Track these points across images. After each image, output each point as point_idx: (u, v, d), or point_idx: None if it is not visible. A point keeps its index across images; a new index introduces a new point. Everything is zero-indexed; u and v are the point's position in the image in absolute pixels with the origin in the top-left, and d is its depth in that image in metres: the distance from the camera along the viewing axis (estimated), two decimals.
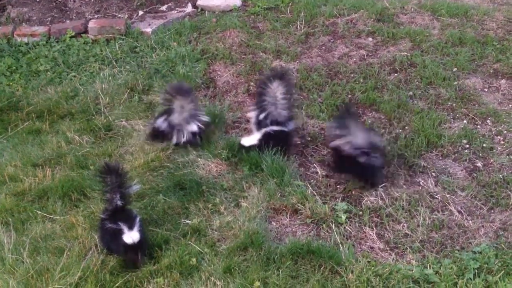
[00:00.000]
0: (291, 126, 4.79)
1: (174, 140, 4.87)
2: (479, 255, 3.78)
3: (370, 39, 6.48)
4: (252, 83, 5.83)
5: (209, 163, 4.71)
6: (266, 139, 4.69)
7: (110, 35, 6.54)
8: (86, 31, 6.66)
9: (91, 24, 6.66)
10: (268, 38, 6.51)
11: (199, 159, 4.75)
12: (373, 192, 4.43)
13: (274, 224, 4.22)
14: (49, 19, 6.97)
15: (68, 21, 6.89)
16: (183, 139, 4.86)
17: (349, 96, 5.56)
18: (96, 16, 6.97)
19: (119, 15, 6.99)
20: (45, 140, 5.11)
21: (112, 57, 6.23)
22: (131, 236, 3.74)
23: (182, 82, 5.43)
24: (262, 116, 4.76)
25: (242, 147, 4.76)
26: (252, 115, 4.89)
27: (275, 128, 4.71)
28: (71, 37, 6.57)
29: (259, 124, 4.78)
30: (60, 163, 4.80)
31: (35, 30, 6.64)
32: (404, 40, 6.37)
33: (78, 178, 4.55)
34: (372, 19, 6.74)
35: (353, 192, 4.46)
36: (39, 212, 4.30)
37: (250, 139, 4.77)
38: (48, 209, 4.34)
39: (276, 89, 4.71)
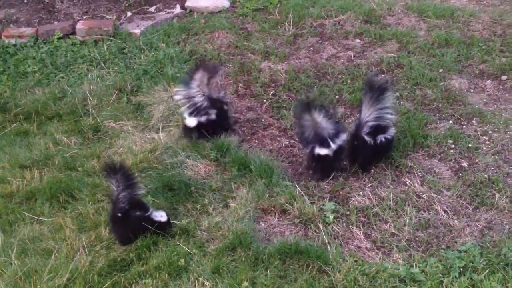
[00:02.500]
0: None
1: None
2: (464, 254, 3.81)
3: (358, 40, 6.53)
4: (240, 84, 5.86)
5: (197, 164, 4.73)
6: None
7: (98, 36, 6.54)
8: (74, 32, 6.65)
9: (79, 25, 6.65)
10: (257, 39, 6.54)
11: (187, 160, 4.76)
12: (360, 192, 4.47)
13: (263, 224, 4.24)
14: (37, 20, 6.95)
15: (56, 22, 6.88)
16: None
17: (336, 96, 5.60)
18: (84, 17, 6.97)
19: (107, 16, 6.98)
20: (32, 142, 5.10)
21: (100, 58, 6.22)
22: None
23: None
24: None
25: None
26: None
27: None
28: (59, 38, 6.57)
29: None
30: (48, 165, 4.80)
31: (23, 31, 6.63)
32: (391, 41, 6.42)
33: (66, 180, 4.55)
34: (359, 21, 6.80)
35: (341, 192, 4.49)
36: (27, 213, 4.30)
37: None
38: (36, 210, 4.34)
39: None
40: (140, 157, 4.80)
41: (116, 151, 4.94)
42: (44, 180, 4.59)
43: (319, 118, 4.47)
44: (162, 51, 6.26)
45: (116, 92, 5.68)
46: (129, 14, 7.06)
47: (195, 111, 4.92)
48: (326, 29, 6.69)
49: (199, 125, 4.94)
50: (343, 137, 4.64)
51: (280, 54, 6.27)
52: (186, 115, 4.95)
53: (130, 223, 3.96)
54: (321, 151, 4.54)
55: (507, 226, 4.12)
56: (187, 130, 4.99)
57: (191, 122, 4.93)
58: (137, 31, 6.66)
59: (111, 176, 3.90)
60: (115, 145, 5.02)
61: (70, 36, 6.62)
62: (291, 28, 6.70)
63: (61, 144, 5.07)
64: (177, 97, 5.04)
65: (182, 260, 3.83)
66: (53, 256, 3.87)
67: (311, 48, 6.42)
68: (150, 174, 4.66)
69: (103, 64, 6.15)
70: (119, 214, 3.94)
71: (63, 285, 3.67)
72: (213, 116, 4.97)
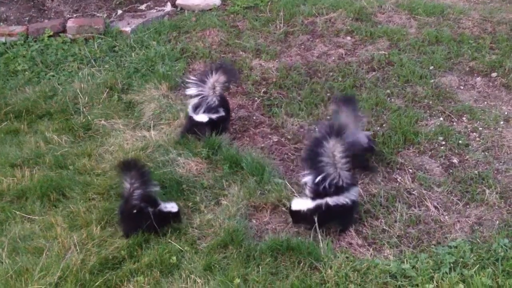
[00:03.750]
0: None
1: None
2: (454, 249, 3.83)
3: (349, 38, 6.55)
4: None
5: (189, 162, 4.72)
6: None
7: (89, 35, 6.51)
8: (64, 31, 6.62)
9: (69, 24, 6.62)
10: (248, 37, 6.54)
11: (179, 158, 4.75)
12: None
13: (254, 221, 4.24)
14: (27, 18, 6.92)
15: (46, 21, 6.84)
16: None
17: (328, 94, 5.61)
18: (75, 15, 6.94)
19: (98, 14, 6.96)
20: (23, 140, 5.08)
21: (91, 57, 6.20)
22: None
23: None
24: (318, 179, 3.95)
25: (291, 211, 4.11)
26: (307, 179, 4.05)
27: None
28: (49, 36, 6.53)
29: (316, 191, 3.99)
30: (38, 163, 4.77)
31: (13, 29, 6.59)
32: (381, 39, 6.44)
33: (57, 178, 4.53)
34: (350, 18, 6.81)
35: None
36: (17, 212, 4.28)
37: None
38: (27, 209, 4.32)
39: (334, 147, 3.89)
40: (132, 155, 4.77)
41: (107, 149, 4.93)
42: (35, 179, 4.56)
43: (338, 151, 3.86)
44: (153, 49, 6.25)
45: (107, 90, 5.67)
46: (119, 12, 7.04)
47: (207, 109, 4.88)
48: (317, 27, 6.71)
49: (210, 121, 4.91)
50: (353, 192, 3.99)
51: (271, 51, 6.27)
52: (195, 112, 4.90)
53: (142, 218, 3.98)
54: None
55: (497, 221, 4.15)
56: (197, 126, 4.94)
57: (202, 118, 4.89)
58: (127, 29, 6.64)
59: (126, 173, 3.94)
60: (106, 143, 5.01)
61: (60, 34, 6.58)
62: (282, 26, 6.70)
63: (52, 142, 5.04)
64: (191, 92, 4.96)
65: (174, 258, 3.83)
66: (44, 255, 3.86)
67: (302, 46, 6.43)
68: None
69: (93, 62, 6.13)
70: (134, 211, 3.97)
71: (55, 284, 3.66)
72: (222, 113, 4.96)
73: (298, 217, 4.07)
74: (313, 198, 3.97)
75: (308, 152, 4.12)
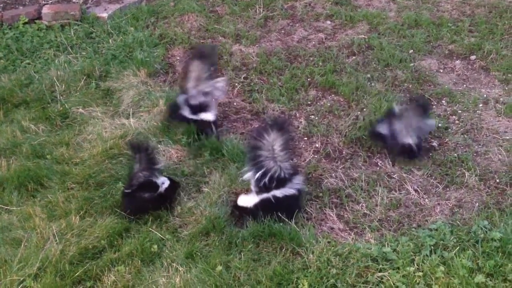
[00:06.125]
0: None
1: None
2: (435, 232, 3.87)
3: (329, 22, 6.52)
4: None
5: (169, 149, 4.68)
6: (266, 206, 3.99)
7: (65, 21, 6.39)
8: (40, 17, 6.49)
9: (45, 10, 6.49)
10: (227, 22, 6.47)
11: (159, 146, 4.70)
12: (333, 174, 4.49)
13: None
14: (1, 5, 6.77)
15: (21, 7, 6.70)
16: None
17: (308, 79, 5.59)
18: (50, 1, 6.80)
19: (74, 0, 6.83)
20: None
21: (68, 43, 6.09)
22: None
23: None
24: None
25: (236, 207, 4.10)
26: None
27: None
28: (25, 23, 6.40)
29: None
30: (15, 153, 4.70)
31: None
32: (361, 23, 6.42)
33: (35, 168, 4.46)
34: (330, 2, 6.78)
35: (313, 175, 4.50)
36: None
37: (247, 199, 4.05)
38: (4, 200, 4.25)
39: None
40: (110, 144, 4.72)
41: (85, 137, 4.86)
42: (11, 169, 4.49)
43: (277, 144, 3.85)
44: (131, 35, 6.15)
45: (85, 78, 5.57)
46: None
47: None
48: (297, 11, 6.66)
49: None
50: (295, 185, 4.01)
51: (251, 37, 6.22)
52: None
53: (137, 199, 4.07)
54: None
55: (477, 204, 4.19)
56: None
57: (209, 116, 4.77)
58: (104, 15, 6.53)
59: (135, 153, 4.04)
60: (85, 131, 4.94)
61: (36, 21, 6.45)
62: (261, 11, 6.65)
63: (28, 131, 4.96)
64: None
65: (155, 246, 3.81)
66: (22, 246, 3.80)
67: (282, 31, 6.38)
68: (121, 161, 4.60)
69: (70, 49, 6.02)
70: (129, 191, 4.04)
71: (34, 275, 3.61)
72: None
73: (243, 211, 4.05)
74: (258, 193, 3.96)
75: (249, 148, 4.19)
